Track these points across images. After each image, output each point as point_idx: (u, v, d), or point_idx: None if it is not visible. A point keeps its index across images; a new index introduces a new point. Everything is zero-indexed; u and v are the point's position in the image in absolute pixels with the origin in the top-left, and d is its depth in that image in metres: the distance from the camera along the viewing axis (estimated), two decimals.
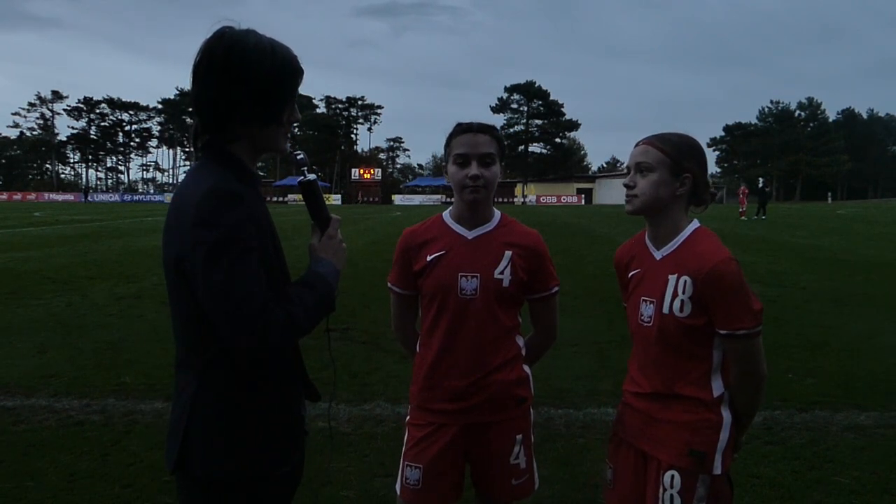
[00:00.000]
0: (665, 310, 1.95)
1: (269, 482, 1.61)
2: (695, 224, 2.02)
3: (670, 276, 1.95)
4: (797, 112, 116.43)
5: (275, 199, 75.04)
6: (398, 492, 2.28)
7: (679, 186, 1.97)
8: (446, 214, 2.31)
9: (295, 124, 1.66)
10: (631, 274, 2.11)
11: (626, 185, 2.02)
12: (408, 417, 2.34)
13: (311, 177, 1.70)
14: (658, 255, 2.02)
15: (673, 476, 1.92)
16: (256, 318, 1.44)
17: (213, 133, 1.57)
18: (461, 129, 2.19)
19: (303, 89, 1.71)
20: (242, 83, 1.51)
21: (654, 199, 1.97)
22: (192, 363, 1.55)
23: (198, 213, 1.45)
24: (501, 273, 2.19)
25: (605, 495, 2.18)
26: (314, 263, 1.66)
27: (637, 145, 2.03)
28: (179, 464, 1.54)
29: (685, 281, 1.91)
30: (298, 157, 1.73)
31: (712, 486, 1.91)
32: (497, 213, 2.29)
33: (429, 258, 2.23)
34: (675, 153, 1.96)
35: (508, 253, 2.21)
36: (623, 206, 2.14)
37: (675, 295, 1.93)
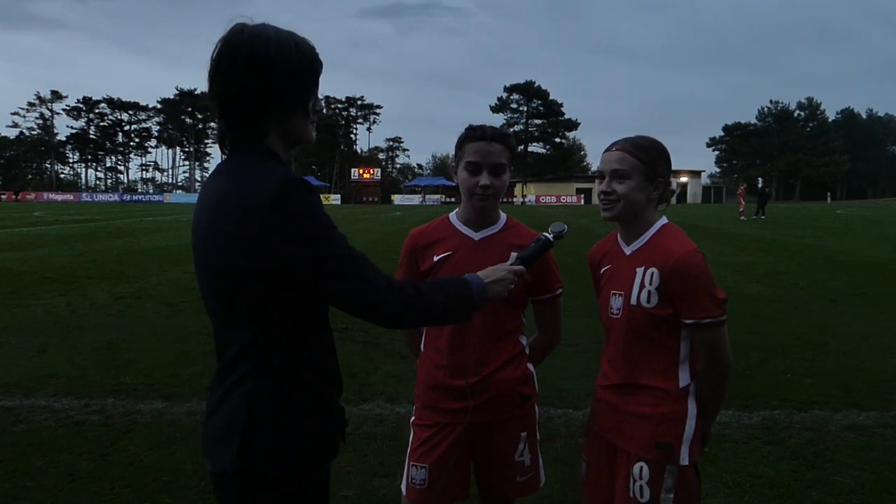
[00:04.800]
0: (633, 301, 2.01)
1: (320, 472, 1.63)
2: (663, 220, 2.10)
3: (638, 269, 2.02)
4: (796, 112, 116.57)
5: None
6: (403, 492, 2.29)
7: (653, 191, 2.04)
8: (453, 216, 2.33)
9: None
10: (602, 270, 2.18)
11: (602, 192, 2.07)
12: (412, 418, 2.35)
13: (550, 237, 1.99)
14: (628, 250, 2.09)
15: (642, 468, 1.98)
16: (376, 285, 1.52)
17: (240, 130, 1.56)
18: (475, 135, 2.18)
19: None
20: (270, 73, 1.51)
21: (632, 205, 2.03)
22: (245, 362, 1.54)
23: (286, 204, 1.44)
24: None
25: (581, 488, 2.23)
26: (470, 275, 1.73)
27: (608, 151, 2.07)
28: (239, 462, 1.52)
29: (652, 272, 1.98)
30: (564, 231, 2.03)
31: (680, 476, 1.96)
32: (503, 216, 2.32)
33: (436, 258, 2.25)
34: (650, 160, 2.03)
35: (514, 255, 2.22)
36: None
37: (642, 286, 1.99)
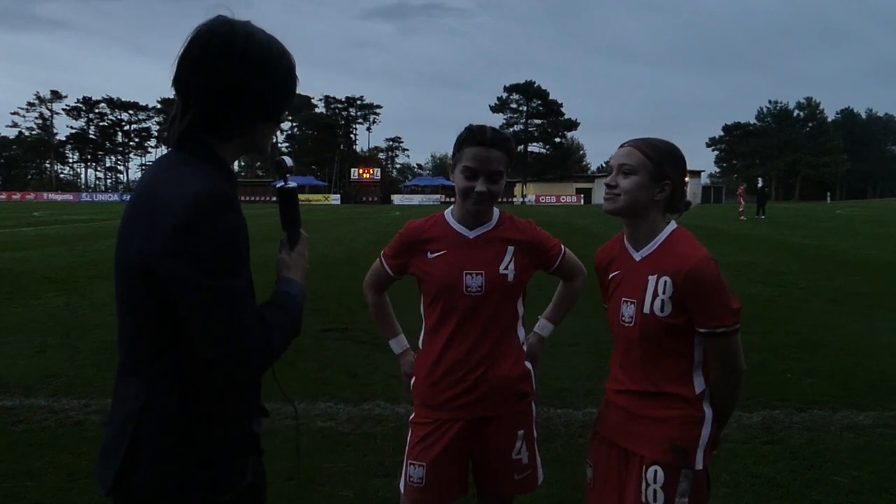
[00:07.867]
0: (646, 310, 1.98)
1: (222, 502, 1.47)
2: (672, 225, 2.06)
3: (650, 277, 1.98)
4: (796, 112, 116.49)
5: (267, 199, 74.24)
6: (402, 490, 2.30)
7: (658, 192, 2.01)
8: (448, 214, 2.34)
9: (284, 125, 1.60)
10: (611, 276, 2.14)
11: (607, 185, 2.06)
12: (412, 416, 2.36)
13: (293, 184, 1.63)
14: (637, 256, 2.06)
15: (656, 471, 1.95)
16: (244, 339, 1.36)
17: (206, 127, 1.45)
18: (475, 140, 2.18)
19: (303, 89, 1.70)
20: (263, 74, 1.44)
21: (634, 201, 2.00)
22: (142, 373, 1.44)
23: (190, 216, 1.32)
24: (506, 269, 2.23)
25: (585, 494, 2.20)
26: (285, 284, 1.57)
27: (622, 146, 2.07)
28: (118, 484, 1.41)
29: (665, 281, 1.95)
30: (288, 164, 1.63)
31: (694, 480, 1.94)
32: (496, 211, 2.33)
33: (430, 256, 2.27)
34: (658, 159, 2.00)
35: (511, 248, 2.26)
36: None
37: (655, 295, 1.97)
